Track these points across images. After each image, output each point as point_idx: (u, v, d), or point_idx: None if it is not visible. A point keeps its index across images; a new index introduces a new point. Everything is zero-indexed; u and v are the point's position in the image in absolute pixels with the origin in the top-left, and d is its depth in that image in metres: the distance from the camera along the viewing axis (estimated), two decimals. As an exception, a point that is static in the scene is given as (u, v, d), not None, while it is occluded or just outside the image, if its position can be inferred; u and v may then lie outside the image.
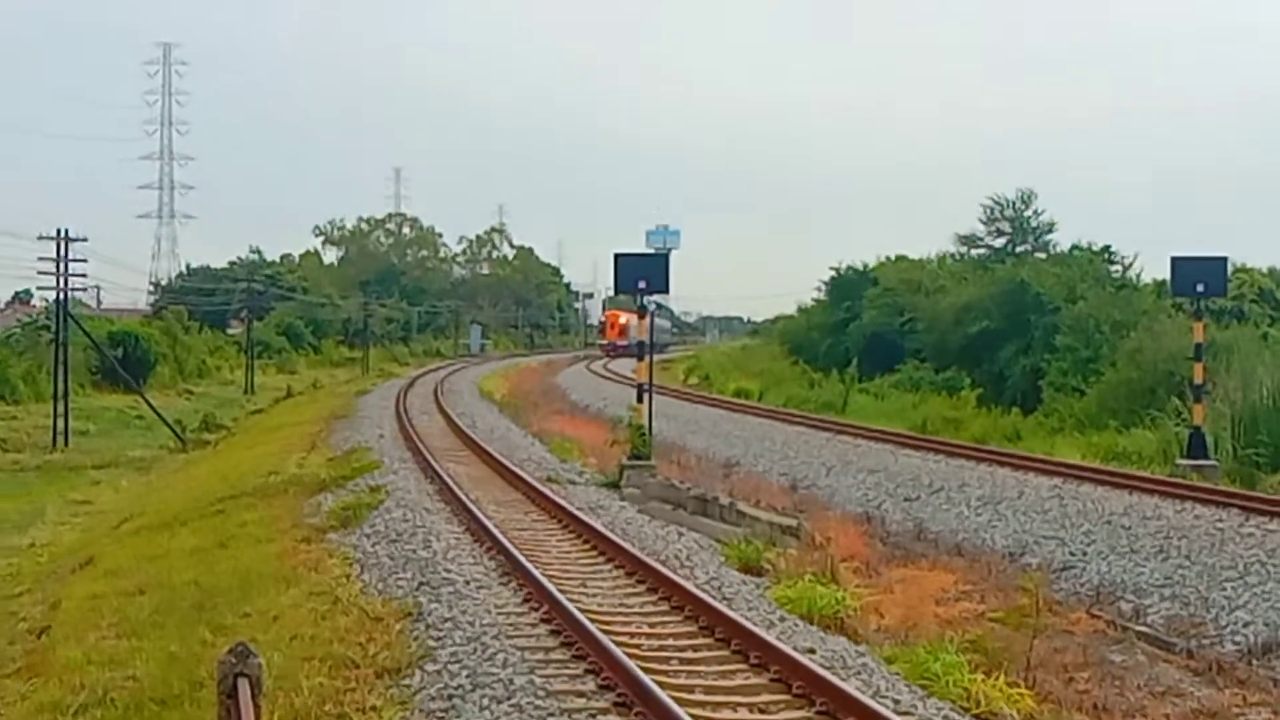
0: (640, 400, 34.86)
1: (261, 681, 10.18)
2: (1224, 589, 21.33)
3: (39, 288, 76.73)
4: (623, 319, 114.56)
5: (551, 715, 12.35)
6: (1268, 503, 27.13)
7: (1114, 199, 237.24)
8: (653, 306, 38.31)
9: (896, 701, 13.24)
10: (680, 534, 24.87)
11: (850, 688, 12.82)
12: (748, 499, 30.31)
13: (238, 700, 9.76)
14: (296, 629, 16.60)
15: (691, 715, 11.59)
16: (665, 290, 35.16)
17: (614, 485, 31.11)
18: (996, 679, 15.54)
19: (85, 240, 68.00)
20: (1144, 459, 37.04)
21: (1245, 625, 19.79)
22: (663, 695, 12.10)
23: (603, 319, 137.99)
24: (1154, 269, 61.44)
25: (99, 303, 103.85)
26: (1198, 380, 35.59)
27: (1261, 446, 34.87)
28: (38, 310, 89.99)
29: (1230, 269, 41.75)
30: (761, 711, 12.73)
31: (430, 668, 14.26)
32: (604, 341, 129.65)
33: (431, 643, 15.25)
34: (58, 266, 67.66)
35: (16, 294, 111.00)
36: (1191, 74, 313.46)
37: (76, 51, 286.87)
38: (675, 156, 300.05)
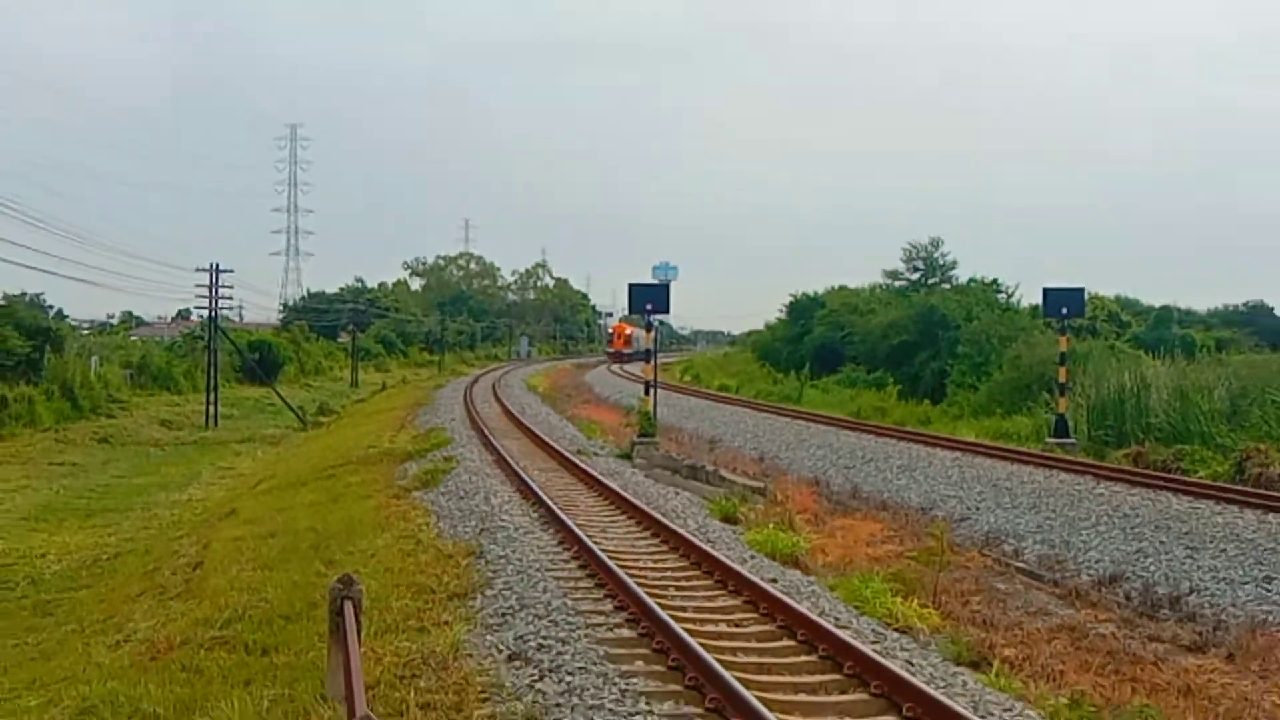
0: (647, 393, 34.96)
1: (362, 603, 10.15)
2: (1081, 535, 21.34)
3: (196, 307, 77.19)
4: (628, 331, 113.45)
5: (578, 628, 12.34)
6: (1113, 471, 27.21)
7: (1002, 240, 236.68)
8: (656, 323, 38.29)
9: (838, 618, 13.23)
10: (676, 493, 24.83)
11: (803, 607, 12.81)
12: (727, 467, 30.26)
13: (344, 617, 9.74)
14: (388, 563, 16.59)
15: (683, 628, 11.57)
16: (666, 311, 35.21)
17: (627, 456, 31.09)
18: (911, 602, 15.51)
19: (231, 271, 68.33)
20: (1022, 438, 37.08)
21: (1096, 562, 19.81)
22: (662, 613, 12.09)
23: (610, 330, 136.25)
24: (1030, 296, 61.50)
25: (241, 319, 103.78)
26: (1062, 379, 35.68)
27: (1109, 429, 34.91)
28: (195, 324, 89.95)
29: (1086, 296, 41.69)
30: (737, 626, 12.72)
31: (489, 593, 14.25)
32: (611, 349, 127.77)
33: (490, 574, 15.24)
34: (210, 291, 67.99)
35: (179, 312, 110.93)
36: (1063, 135, 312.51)
37: (228, 127, 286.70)
38: (676, 208, 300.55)
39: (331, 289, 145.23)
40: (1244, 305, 77.69)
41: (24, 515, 32.13)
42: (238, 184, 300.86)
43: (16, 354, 54.28)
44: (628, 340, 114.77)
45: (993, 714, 10.17)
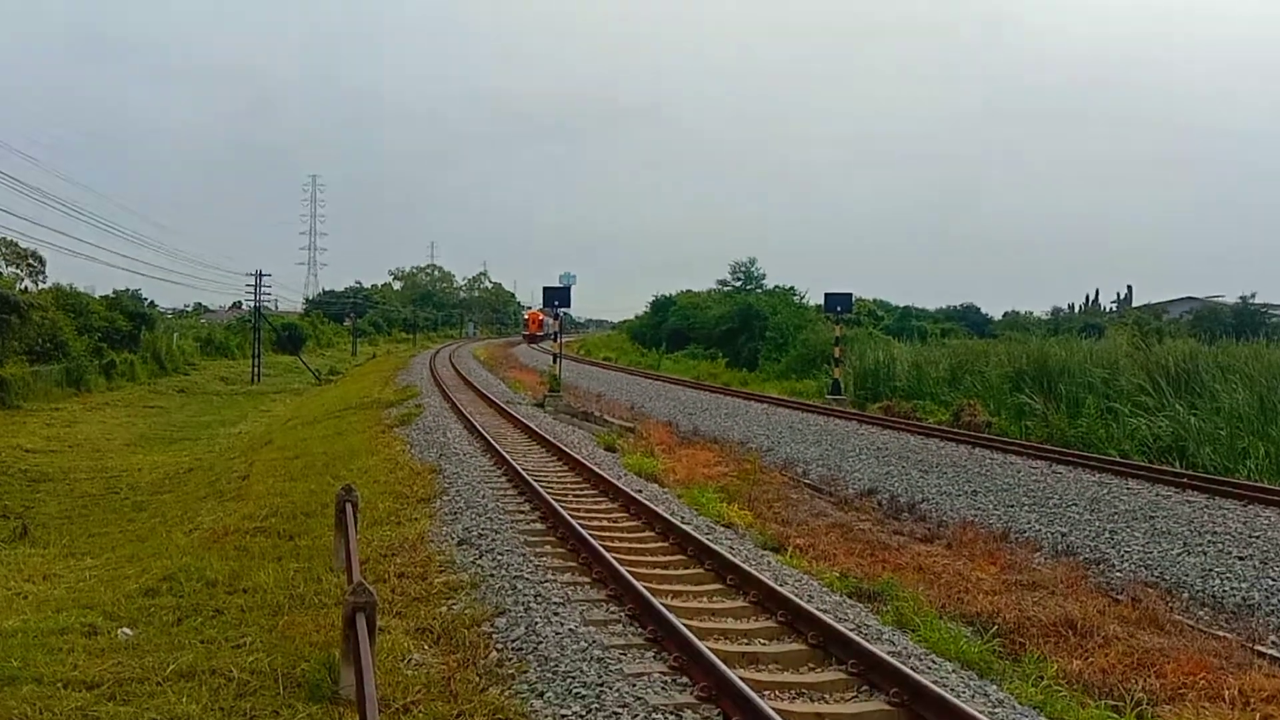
0: (555, 362, 34.87)
1: (358, 504, 10.07)
2: (849, 461, 21.63)
3: (245, 299, 76.45)
4: (541, 317, 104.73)
5: (507, 523, 12.30)
6: (871, 418, 27.67)
7: (798, 256, 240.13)
8: (561, 313, 38.36)
9: (683, 518, 13.30)
10: (574, 430, 24.79)
11: (660, 509, 12.87)
12: (609, 413, 30.26)
13: (346, 514, 9.66)
14: (376, 477, 16.44)
15: (578, 522, 11.57)
16: (569, 305, 35.13)
17: (541, 405, 30.96)
18: (733, 506, 15.67)
19: (270, 275, 68.95)
20: (809, 395, 37.52)
21: (859, 480, 20.07)
22: (563, 511, 12.09)
23: (525, 318, 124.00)
24: (815, 297, 62.41)
25: (276, 307, 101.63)
26: (836, 355, 36.14)
27: (868, 390, 35.49)
28: (244, 311, 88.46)
29: (854, 299, 42.31)
30: (614, 522, 12.74)
31: (445, 498, 14.15)
32: (526, 333, 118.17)
33: (446, 485, 15.13)
34: (256, 288, 68.31)
35: (234, 303, 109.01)
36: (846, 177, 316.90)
37: (274, 177, 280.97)
38: (579, 230, 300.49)
39: (339, 288, 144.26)
40: (960, 305, 79.08)
41: (126, 441, 31.60)
42: (275, 210, 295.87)
43: (122, 331, 54.71)
44: (540, 325, 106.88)
45: (788, 582, 10.30)
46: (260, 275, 68.20)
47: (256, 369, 62.24)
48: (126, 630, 8.69)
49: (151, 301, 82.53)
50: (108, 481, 23.78)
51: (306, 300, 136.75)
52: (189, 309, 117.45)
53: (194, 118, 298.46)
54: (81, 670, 7.53)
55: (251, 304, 71.34)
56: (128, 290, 75.64)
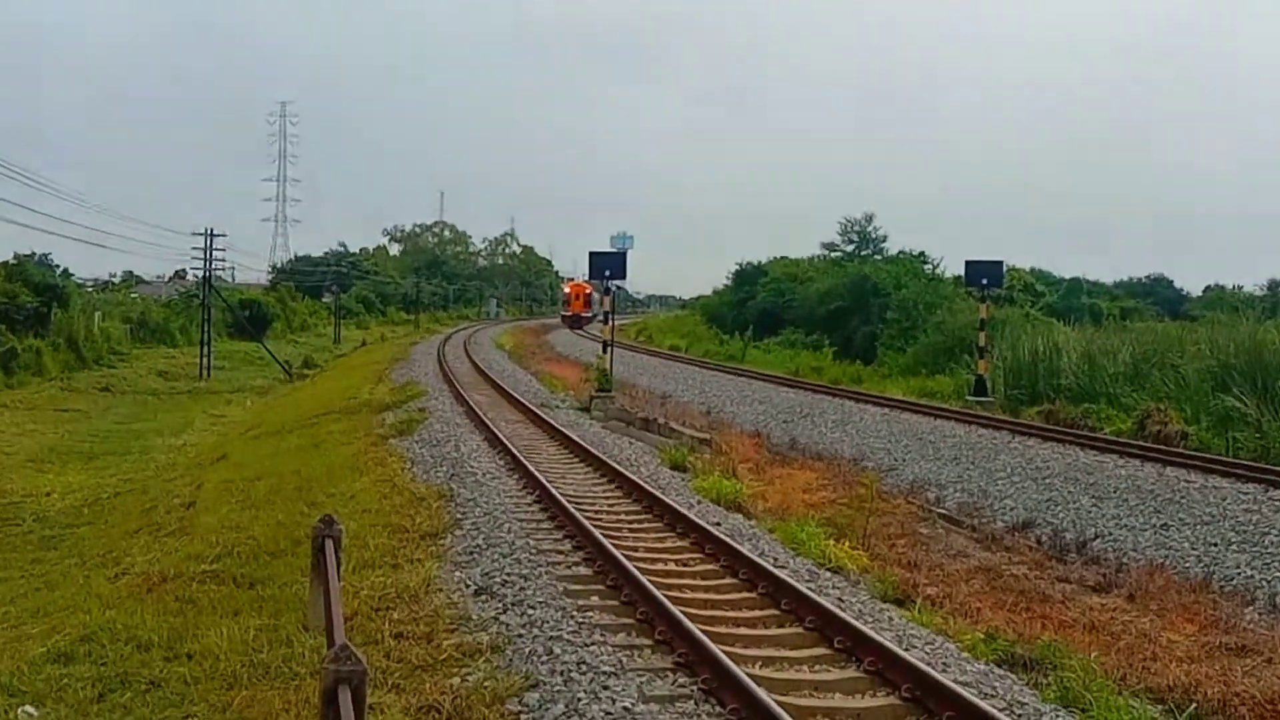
0: (604, 352, 34.99)
1: (341, 541, 10.14)
2: (997, 484, 21.48)
3: (191, 268, 76.99)
4: (587, 290, 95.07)
5: (540, 565, 12.34)
6: (1027, 426, 27.40)
7: (929, 214, 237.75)
8: (614, 288, 38.43)
9: (776, 559, 13.27)
10: (630, 443, 24.87)
11: (745, 548, 12.85)
12: (677, 420, 30.28)
13: (325, 554, 9.72)
14: (366, 505, 16.57)
15: (635, 565, 11.59)
16: (623, 277, 35.39)
17: (586, 409, 31.07)
18: (843, 544, 15.57)
19: (224, 235, 68.61)
20: (944, 396, 37.31)
21: (1011, 509, 19.95)
22: (615, 550, 12.13)
23: (565, 291, 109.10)
24: (954, 267, 61.60)
25: (233, 279, 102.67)
26: (981, 343, 35.85)
27: (1023, 389, 35.16)
28: (190, 284, 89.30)
29: (1005, 269, 41.85)
30: (684, 565, 12.75)
31: (458, 532, 14.25)
32: (567, 313, 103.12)
33: (459, 515, 15.24)
34: (205, 253, 68.07)
35: (176, 272, 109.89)
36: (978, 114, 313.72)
37: (221, 104, 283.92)
38: (635, 181, 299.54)
39: (317, 253, 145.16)
40: (1146, 277, 78.28)
41: (31, 457, 32.06)
42: (231, 152, 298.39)
43: (26, 309, 54.75)
44: (586, 302, 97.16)
45: (916, 646, 10.23)
46: (211, 235, 67.94)
47: (206, 360, 62.68)
48: (30, 709, 8.77)
49: (66, 270, 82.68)
50: (5, 510, 24.07)
51: (273, 269, 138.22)
52: (116, 280, 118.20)
53: (122, 36, 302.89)
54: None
55: (199, 274, 71.85)
56: (34, 255, 75.79)
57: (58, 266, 79.39)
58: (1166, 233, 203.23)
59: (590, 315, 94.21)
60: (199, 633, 10.40)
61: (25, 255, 71.43)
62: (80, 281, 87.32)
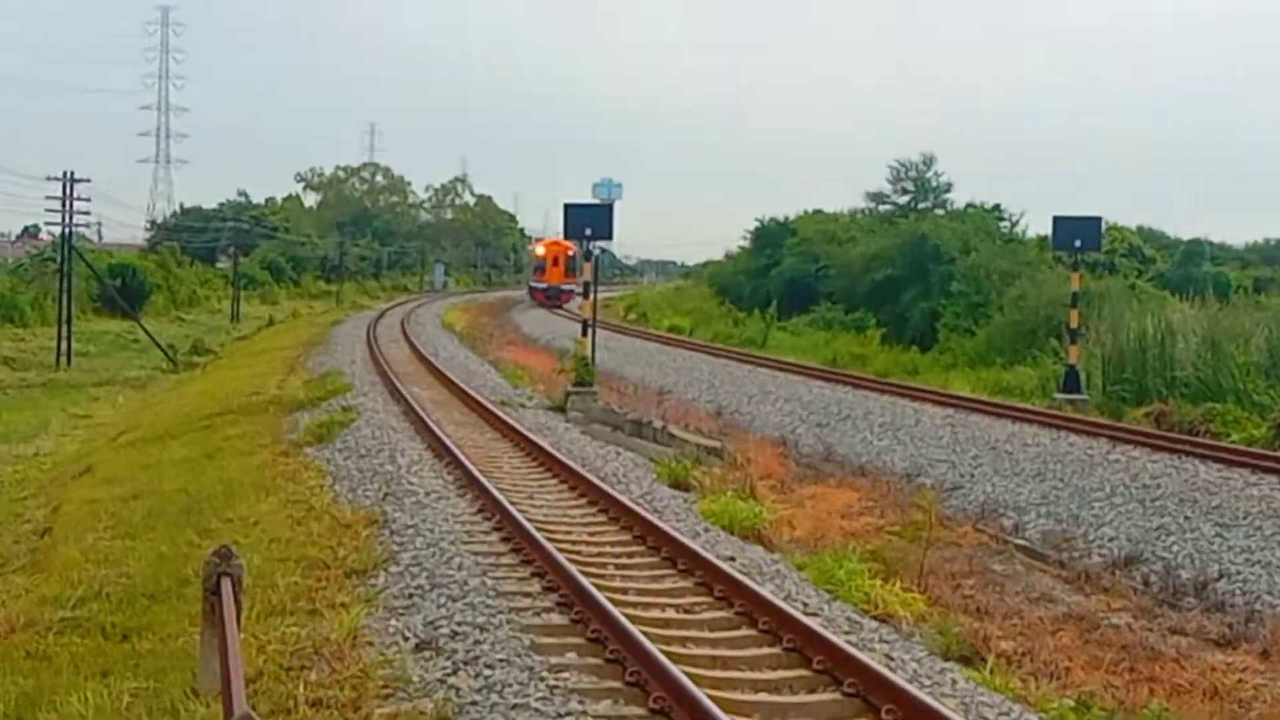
0: (585, 334, 34.99)
1: (242, 580, 10.17)
2: (1092, 508, 21.52)
3: (46, 224, 77.02)
4: (571, 252, 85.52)
5: (501, 614, 12.36)
6: (1132, 433, 27.41)
7: (1004, 162, 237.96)
8: (597, 251, 38.43)
9: (806, 604, 13.32)
10: (618, 453, 24.91)
11: (765, 591, 12.89)
12: (678, 423, 30.33)
13: (221, 597, 9.74)
14: (275, 533, 16.57)
15: (625, 614, 11.62)
16: (609, 237, 35.42)
17: (560, 409, 31.14)
18: (893, 585, 15.64)
19: (88, 181, 67.81)
20: (1025, 393, 37.37)
21: (1110, 540, 19.99)
22: (600, 596, 12.13)
23: (537, 255, 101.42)
24: (1038, 225, 61.70)
25: (100, 238, 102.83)
26: (1073, 324, 35.88)
27: (1127, 384, 35.20)
28: (45, 244, 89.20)
29: (1104, 227, 41.85)
30: (687, 612, 12.78)
31: (393, 569, 14.26)
32: (540, 284, 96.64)
33: (395, 547, 15.24)
34: (63, 205, 67.23)
35: (25, 229, 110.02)
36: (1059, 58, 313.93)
37: (83, 9, 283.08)
38: (620, 116, 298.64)
39: (209, 204, 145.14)
40: (1285, 238, 78.52)
41: None
42: (97, 77, 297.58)
43: None
44: (568, 268, 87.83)
45: (986, 717, 10.27)
46: (72, 181, 67.70)
47: (65, 343, 62.51)
48: None
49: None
50: None
51: (153, 224, 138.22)
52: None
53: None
54: None
55: (55, 231, 71.69)
56: None
57: None
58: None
59: (572, 287, 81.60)
60: (56, 698, 10.42)
61: None
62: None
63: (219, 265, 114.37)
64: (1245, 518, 19.84)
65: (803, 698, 10.38)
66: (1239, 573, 17.72)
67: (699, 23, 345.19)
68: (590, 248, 37.12)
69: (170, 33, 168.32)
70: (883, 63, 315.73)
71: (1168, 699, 12.25)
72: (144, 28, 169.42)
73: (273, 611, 12.65)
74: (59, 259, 69.14)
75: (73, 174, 67.55)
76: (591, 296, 38.10)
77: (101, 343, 68.19)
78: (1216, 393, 32.34)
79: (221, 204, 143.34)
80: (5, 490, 27.76)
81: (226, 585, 9.81)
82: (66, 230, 68.62)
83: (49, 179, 67.72)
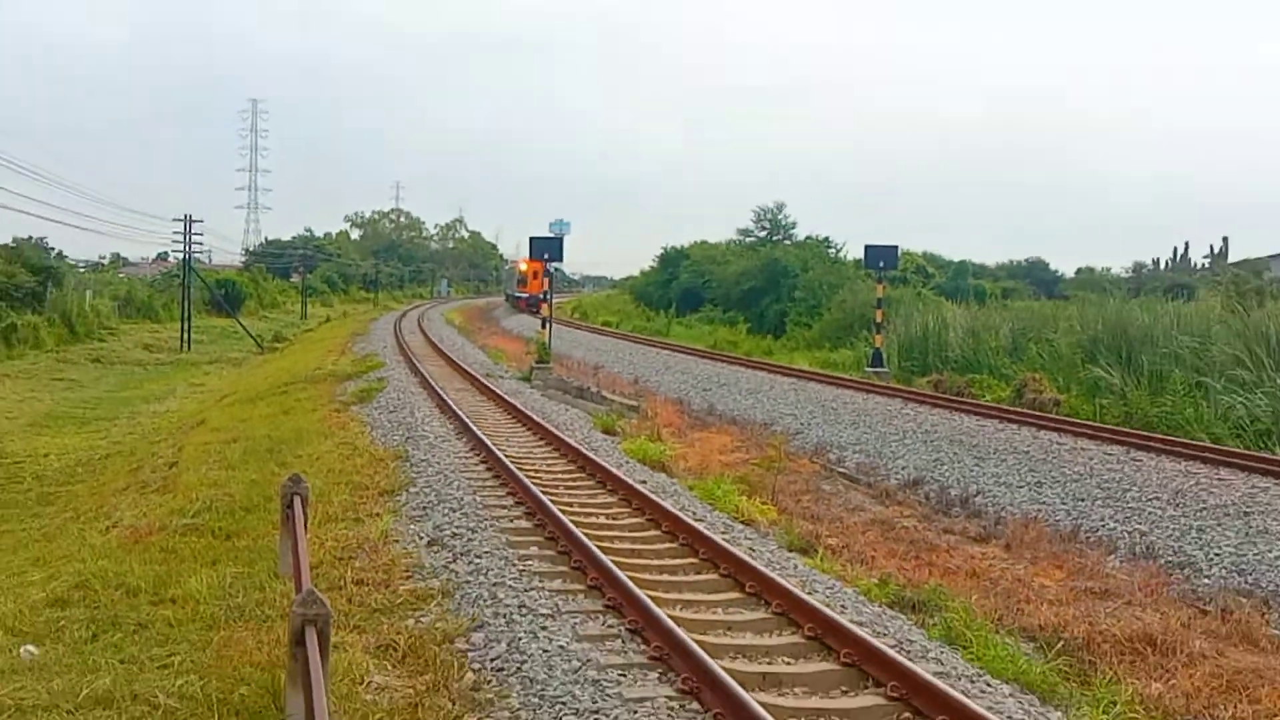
0: (544, 327, 35.00)
1: (308, 497, 10.13)
2: (890, 446, 21.68)
3: (173, 250, 75.85)
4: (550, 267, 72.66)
5: (487, 521, 12.37)
6: (918, 395, 27.65)
7: (831, 205, 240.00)
8: (552, 269, 38.52)
9: (694, 513, 13.36)
10: (567, 409, 24.89)
11: (667, 504, 12.93)
12: (608, 388, 30.36)
13: (294, 510, 9.70)
14: (330, 465, 16.51)
15: (570, 518, 11.63)
16: (560, 260, 35.45)
17: (527, 379, 31.06)
18: (754, 500, 15.75)
19: (201, 221, 67.67)
20: (846, 367, 37.54)
21: (903, 468, 20.13)
22: (552, 506, 12.15)
23: (519, 271, 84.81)
24: (854, 250, 61.95)
25: (209, 260, 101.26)
26: (878, 320, 36.18)
27: (915, 361, 35.54)
28: (171, 265, 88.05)
29: (900, 253, 42.14)
30: (613, 519, 12.80)
31: (412, 490, 14.23)
32: (516, 292, 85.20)
33: (413, 474, 15.22)
34: (185, 237, 67.30)
35: (159, 254, 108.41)
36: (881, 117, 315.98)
37: (194, 94, 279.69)
38: (571, 171, 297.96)
39: (285, 237, 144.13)
40: (1025, 260, 79.06)
41: (30, 422, 31.70)
42: (208, 144, 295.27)
43: (24, 288, 54.55)
44: (545, 283, 71.70)
45: (818, 590, 10.37)
46: (190, 221, 67.70)
47: (186, 334, 62.18)
48: (30, 648, 8.73)
49: (60, 252, 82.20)
50: (7, 470, 23.85)
51: (246, 252, 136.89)
52: (105, 261, 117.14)
53: (110, 32, 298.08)
54: (-25, 696, 7.52)
55: (179, 256, 71.06)
56: (31, 238, 75.48)
57: (53, 249, 79.19)
58: (1043, 220, 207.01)
59: (544, 297, 72.99)
60: (181, 579, 10.35)
61: (23, 239, 72.04)
62: (73, 263, 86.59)
63: (292, 280, 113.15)
64: (995, 453, 20.07)
65: (692, 578, 10.43)
66: (990, 491, 17.90)
67: (629, 105, 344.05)
68: (548, 267, 37.33)
69: (258, 118, 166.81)
70: (748, 139, 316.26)
71: (941, 578, 12.38)
72: (240, 114, 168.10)
73: (329, 519, 12.62)
74: (182, 276, 69.01)
75: (191, 216, 67.90)
76: (549, 300, 38.34)
77: (211, 334, 67.67)
78: (975, 367, 32.72)
79: (294, 237, 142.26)
80: (146, 436, 27.56)
81: (297, 502, 9.77)
82: (187, 255, 68.89)
83: (174, 220, 67.78)
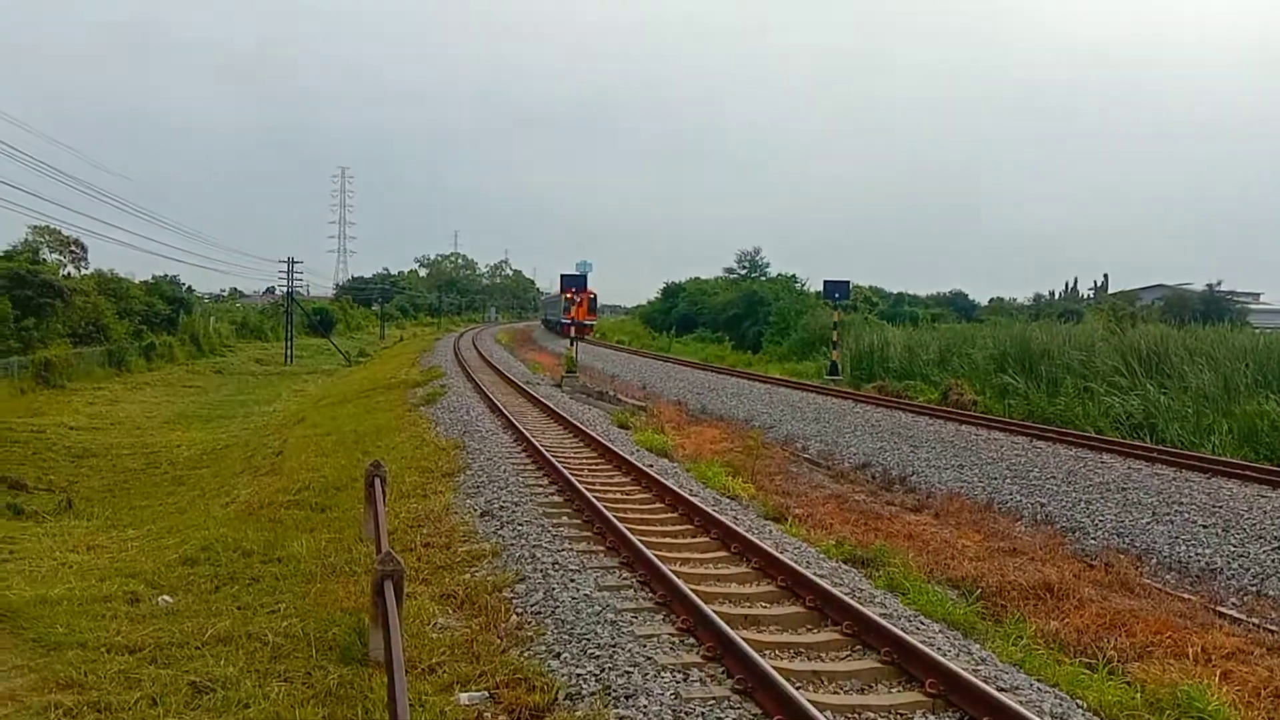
0: (571, 345, 35.00)
1: (387, 479, 10.13)
2: (844, 437, 21.67)
3: (278, 285, 76.34)
4: (593, 294, 62.07)
5: (528, 497, 12.37)
6: (866, 397, 27.63)
7: (798, 248, 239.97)
8: (579, 300, 38.61)
9: (691, 490, 13.34)
10: (589, 409, 24.87)
11: (669, 483, 12.92)
12: (622, 393, 30.33)
13: (374, 488, 9.71)
14: (404, 453, 16.52)
15: (594, 495, 11.63)
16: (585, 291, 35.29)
17: (558, 386, 31.03)
18: (738, 479, 15.74)
19: (301, 261, 69.09)
20: (809, 376, 37.47)
21: (854, 454, 20.12)
22: (579, 484, 12.15)
23: (564, 298, 54.07)
24: (815, 284, 62.03)
25: (308, 292, 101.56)
26: (834, 339, 36.14)
27: (863, 371, 35.41)
28: (277, 296, 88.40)
29: (851, 286, 42.10)
30: (626, 494, 12.79)
31: (468, 473, 14.23)
32: (567, 320, 52.43)
33: (469, 460, 15.22)
34: (289, 273, 68.60)
35: (267, 288, 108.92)
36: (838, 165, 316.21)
37: (305, 169, 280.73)
38: (598, 218, 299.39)
39: (368, 274, 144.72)
40: (949, 292, 78.73)
41: (166, 420, 31.80)
42: (306, 199, 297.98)
43: (161, 315, 55.17)
44: (590, 309, 63.59)
45: (788, 550, 10.36)
46: (292, 262, 68.56)
47: (289, 351, 62.41)
48: (167, 598, 8.76)
49: (189, 287, 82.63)
50: (148, 457, 23.93)
51: (337, 286, 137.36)
52: (225, 294, 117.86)
53: (227, 107, 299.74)
54: (124, 635, 7.57)
55: (284, 289, 71.53)
56: (166, 276, 75.64)
57: (183, 284, 79.51)
58: (967, 258, 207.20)
59: (592, 322, 62.87)
60: (285, 543, 10.38)
61: (160, 276, 72.58)
62: (199, 295, 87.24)
63: (373, 308, 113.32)
64: (926, 442, 20.07)
65: (688, 540, 10.42)
66: (923, 472, 17.90)
67: (631, 170, 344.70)
68: (593, 297, 37.38)
69: (346, 181, 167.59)
70: (732, 196, 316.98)
71: (885, 539, 12.36)
72: (331, 179, 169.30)
73: (403, 496, 12.63)
74: (286, 305, 69.39)
75: (293, 258, 69.27)
76: (591, 326, 38.34)
77: (309, 350, 67.80)
78: (911, 375, 32.62)
79: (374, 275, 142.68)
80: (258, 430, 27.59)
81: (377, 482, 9.77)
82: (290, 288, 69.58)
83: (280, 260, 68.94)
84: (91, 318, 47.02)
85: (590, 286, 35.41)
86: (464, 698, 6.30)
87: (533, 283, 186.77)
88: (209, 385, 45.09)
